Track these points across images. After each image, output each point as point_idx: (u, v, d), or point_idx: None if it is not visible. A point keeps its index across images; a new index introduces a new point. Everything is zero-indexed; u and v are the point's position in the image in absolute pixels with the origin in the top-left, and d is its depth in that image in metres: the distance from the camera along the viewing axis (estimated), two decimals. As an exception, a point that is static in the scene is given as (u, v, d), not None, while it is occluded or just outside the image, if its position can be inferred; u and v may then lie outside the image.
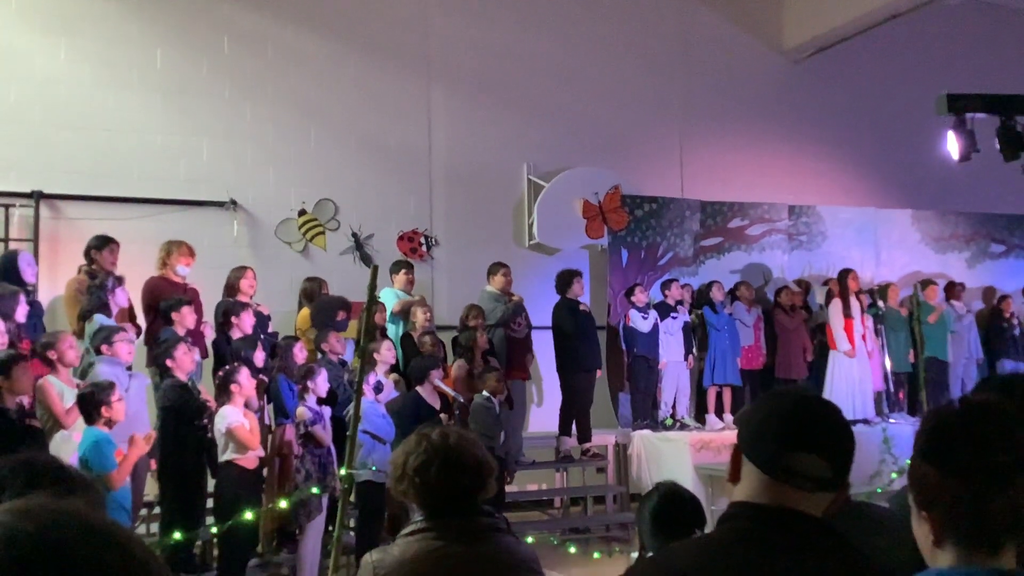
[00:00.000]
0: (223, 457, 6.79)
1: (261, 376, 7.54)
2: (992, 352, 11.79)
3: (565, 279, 9.74)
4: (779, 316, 10.76)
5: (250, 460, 6.81)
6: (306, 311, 8.84)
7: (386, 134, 10.60)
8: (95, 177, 9.26)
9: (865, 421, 10.20)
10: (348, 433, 4.91)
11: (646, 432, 9.89)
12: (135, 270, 8.16)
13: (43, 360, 6.57)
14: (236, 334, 7.79)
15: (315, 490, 7.00)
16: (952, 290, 11.84)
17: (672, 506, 3.34)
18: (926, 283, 11.62)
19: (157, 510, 7.55)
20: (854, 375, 10.58)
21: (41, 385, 6.44)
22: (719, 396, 10.46)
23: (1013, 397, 2.00)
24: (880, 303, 11.16)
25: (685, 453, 9.34)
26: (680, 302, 10.36)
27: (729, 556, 1.57)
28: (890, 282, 11.73)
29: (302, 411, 7.33)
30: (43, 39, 9.34)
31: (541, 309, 9.73)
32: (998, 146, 7.07)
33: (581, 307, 9.70)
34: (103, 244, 7.99)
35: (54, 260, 8.97)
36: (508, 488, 8.68)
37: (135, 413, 6.72)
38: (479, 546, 2.50)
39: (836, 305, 10.69)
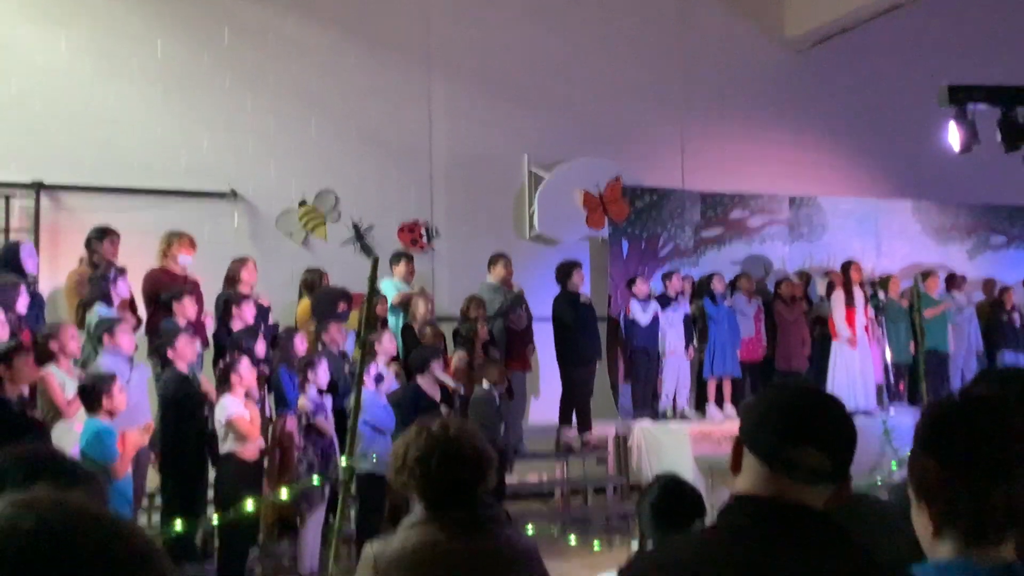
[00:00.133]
0: (223, 448, 6.80)
1: (262, 367, 7.55)
2: (992, 344, 11.79)
3: (565, 270, 9.74)
4: (779, 308, 10.76)
5: (250, 451, 6.82)
6: (306, 302, 8.84)
7: (387, 125, 10.58)
8: (95, 168, 9.25)
9: (865, 412, 10.21)
10: (349, 424, 4.92)
11: (646, 423, 9.90)
12: (135, 261, 8.16)
13: (45, 351, 6.58)
14: (237, 325, 7.79)
15: (316, 480, 7.02)
16: (953, 281, 11.83)
17: (673, 498, 3.35)
18: (927, 274, 11.62)
19: (159, 500, 7.57)
20: (856, 366, 10.60)
21: (42, 376, 6.44)
22: (719, 387, 10.47)
23: (1010, 391, 2.00)
24: (881, 294, 11.16)
25: (685, 444, 9.35)
26: (681, 293, 10.36)
27: (730, 548, 1.57)
28: (891, 274, 11.72)
29: (304, 402, 7.34)
30: (43, 30, 9.32)
31: (542, 300, 9.73)
32: (999, 137, 7.06)
33: (581, 299, 9.70)
34: (103, 235, 8.00)
35: (54, 251, 8.96)
36: (508, 479, 8.70)
37: (136, 404, 6.73)
38: (479, 538, 2.50)
39: (839, 296, 10.71)
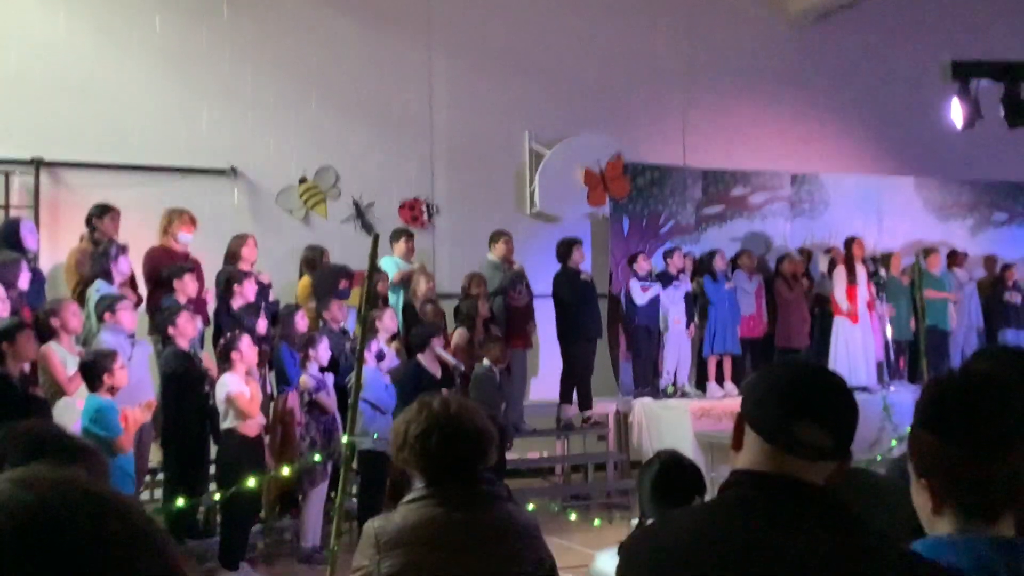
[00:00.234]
0: (224, 425, 6.83)
1: (264, 346, 7.56)
2: (993, 321, 11.79)
3: (565, 247, 9.73)
4: (779, 286, 10.76)
5: (251, 428, 6.84)
6: (307, 280, 8.84)
7: (387, 101, 10.54)
8: (95, 144, 9.22)
9: (865, 389, 10.23)
10: (350, 401, 4.93)
11: (647, 400, 9.93)
12: (135, 237, 8.15)
13: (46, 327, 6.59)
14: (238, 302, 7.79)
15: (317, 457, 7.04)
16: (954, 258, 11.82)
17: (673, 474, 3.36)
18: (928, 251, 11.60)
19: (161, 476, 7.61)
20: (858, 342, 10.61)
21: (44, 352, 6.45)
22: (719, 364, 10.49)
23: (1009, 367, 2.00)
24: (882, 271, 11.16)
25: (686, 421, 9.39)
26: (682, 271, 10.36)
27: (729, 523, 1.58)
28: (892, 251, 11.71)
29: (305, 379, 7.36)
30: (42, 5, 9.26)
31: (543, 278, 9.72)
32: (1002, 113, 7.03)
33: (582, 276, 9.70)
34: (104, 212, 7.98)
35: (55, 227, 8.95)
36: (509, 456, 8.72)
37: (138, 381, 6.75)
38: (480, 513, 2.51)
39: (840, 272, 10.71)
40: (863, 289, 10.71)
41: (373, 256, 5.01)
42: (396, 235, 9.59)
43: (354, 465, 6.80)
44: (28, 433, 1.74)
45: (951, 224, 12.58)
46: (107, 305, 6.93)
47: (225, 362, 6.92)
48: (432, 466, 2.51)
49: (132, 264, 7.84)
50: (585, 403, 9.67)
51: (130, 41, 9.54)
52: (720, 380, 10.44)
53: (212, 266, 8.31)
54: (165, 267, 7.83)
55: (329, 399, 7.45)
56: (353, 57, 10.40)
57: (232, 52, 9.91)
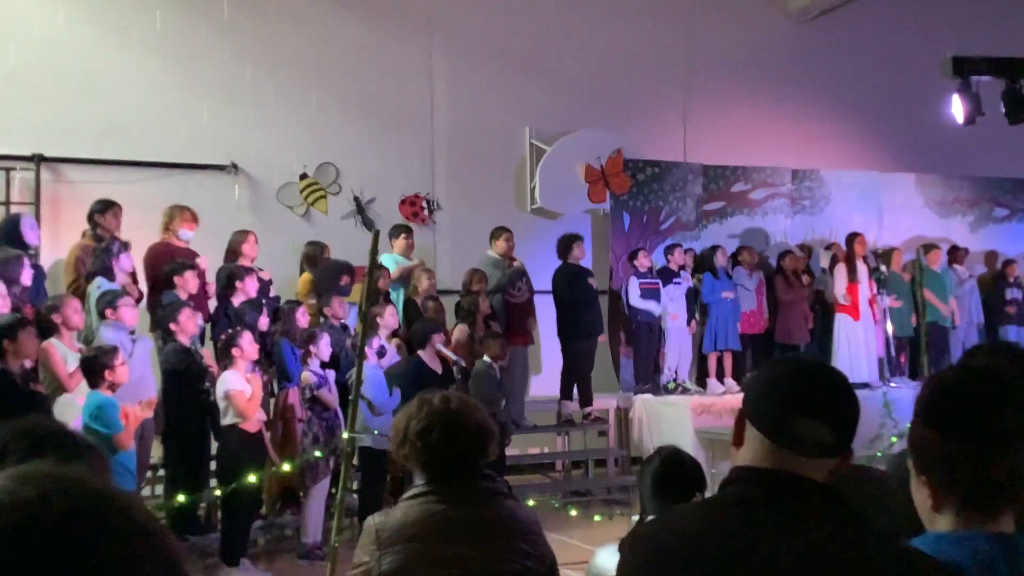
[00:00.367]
0: (225, 421, 6.83)
1: (265, 341, 7.56)
2: (992, 316, 11.78)
3: (565, 244, 9.73)
4: (779, 282, 10.75)
5: (252, 424, 6.84)
6: (307, 276, 8.83)
7: (388, 97, 10.53)
8: (96, 140, 9.22)
9: (866, 385, 10.23)
10: (350, 397, 4.93)
11: (648, 396, 9.93)
12: (136, 234, 8.14)
13: (47, 323, 6.59)
14: (240, 298, 7.79)
15: (318, 453, 7.05)
16: (955, 254, 11.82)
17: (673, 470, 3.36)
18: (929, 247, 11.60)
19: (162, 472, 7.61)
20: (859, 339, 10.61)
21: (45, 348, 6.45)
22: (720, 361, 10.49)
23: (1009, 362, 2.00)
24: (883, 268, 11.15)
25: (686, 417, 9.39)
26: (683, 267, 10.36)
27: (730, 520, 1.58)
28: (893, 247, 11.70)
29: (307, 375, 7.36)
30: (42, 1, 9.25)
31: (543, 274, 9.72)
32: (1003, 109, 7.03)
33: (583, 272, 9.69)
34: (106, 208, 7.97)
35: (55, 224, 8.96)
36: (510, 452, 8.73)
37: (140, 377, 6.75)
38: (480, 509, 2.52)
39: (841, 268, 10.71)
40: (864, 286, 10.71)
41: (374, 252, 5.01)
42: (396, 231, 9.58)
43: (354, 461, 6.80)
44: (29, 430, 1.74)
45: (952, 220, 12.58)
46: (108, 301, 6.92)
47: (226, 359, 6.92)
48: (433, 462, 2.51)
49: (133, 260, 7.84)
50: (586, 399, 9.67)
51: (130, 37, 9.53)
52: (720, 376, 10.44)
53: (213, 262, 8.31)
54: (166, 263, 7.82)
55: (331, 395, 7.45)
56: (353, 53, 10.39)
57: (232, 48, 9.91)
